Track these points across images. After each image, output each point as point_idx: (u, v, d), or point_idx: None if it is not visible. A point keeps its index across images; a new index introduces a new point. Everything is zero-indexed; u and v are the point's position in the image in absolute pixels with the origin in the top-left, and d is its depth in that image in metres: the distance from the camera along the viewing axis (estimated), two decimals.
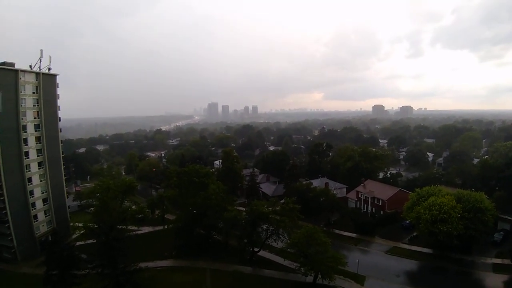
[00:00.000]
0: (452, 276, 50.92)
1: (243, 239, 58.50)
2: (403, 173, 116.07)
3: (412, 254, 59.54)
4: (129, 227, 68.09)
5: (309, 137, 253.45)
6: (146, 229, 77.43)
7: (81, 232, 66.87)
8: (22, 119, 63.77)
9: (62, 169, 75.53)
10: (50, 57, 71.16)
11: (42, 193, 68.91)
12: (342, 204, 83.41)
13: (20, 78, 63.64)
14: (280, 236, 56.80)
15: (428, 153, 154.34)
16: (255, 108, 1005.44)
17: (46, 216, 69.59)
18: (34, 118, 67.53)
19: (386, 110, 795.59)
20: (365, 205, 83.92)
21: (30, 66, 68.33)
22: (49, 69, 71.27)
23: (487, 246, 59.16)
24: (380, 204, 79.39)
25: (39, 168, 68.21)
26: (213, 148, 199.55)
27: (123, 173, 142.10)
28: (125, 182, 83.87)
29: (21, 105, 63.73)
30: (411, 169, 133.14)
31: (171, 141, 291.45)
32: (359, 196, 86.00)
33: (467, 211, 53.83)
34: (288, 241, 52.94)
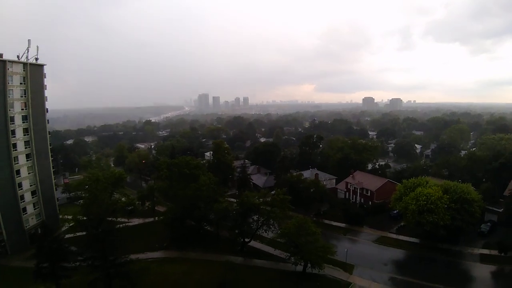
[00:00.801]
0: (439, 265, 52.19)
1: (234, 230, 58.91)
2: (391, 165, 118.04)
3: (399, 243, 60.99)
4: (119, 219, 67.69)
5: (300, 129, 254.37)
6: (136, 221, 77.11)
7: (71, 224, 66.27)
8: (9, 110, 62.21)
9: (50, 161, 74.44)
10: (37, 47, 69.71)
11: (31, 186, 67.87)
12: (332, 195, 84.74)
13: (8, 69, 62.06)
14: (271, 226, 57.40)
15: (416, 145, 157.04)
16: (246, 100, 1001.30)
17: (35, 209, 68.67)
18: (22, 109, 66.18)
19: (376, 103, 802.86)
20: (354, 196, 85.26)
21: (18, 57, 66.55)
22: (37, 59, 69.85)
23: (474, 237, 60.20)
24: (369, 194, 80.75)
25: (27, 160, 67.06)
26: (203, 140, 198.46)
27: (112, 165, 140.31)
28: (115, 173, 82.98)
29: (9, 96, 62.17)
30: (399, 160, 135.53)
31: (161, 132, 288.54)
32: (349, 187, 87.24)
33: (454, 202, 54.90)
34: (279, 232, 53.60)
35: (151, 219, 76.93)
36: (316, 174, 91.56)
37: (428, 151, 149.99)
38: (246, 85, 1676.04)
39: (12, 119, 62.95)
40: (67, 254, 47.31)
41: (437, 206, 53.32)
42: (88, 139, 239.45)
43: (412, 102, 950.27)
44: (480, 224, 62.47)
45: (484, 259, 53.31)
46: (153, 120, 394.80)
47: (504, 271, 50.06)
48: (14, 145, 63.52)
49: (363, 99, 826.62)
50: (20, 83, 65.68)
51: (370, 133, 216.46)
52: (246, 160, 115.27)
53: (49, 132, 75.12)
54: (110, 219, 57.59)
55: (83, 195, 77.17)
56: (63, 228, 71.32)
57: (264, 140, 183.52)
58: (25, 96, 66.58)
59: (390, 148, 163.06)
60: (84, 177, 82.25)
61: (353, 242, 62.91)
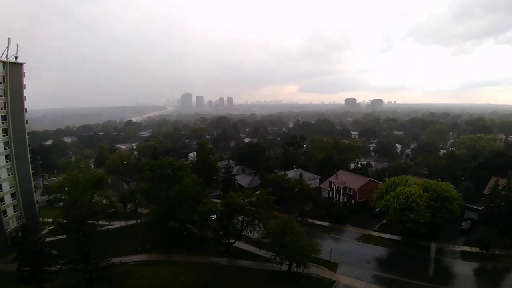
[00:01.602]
0: (421, 262, 53.07)
1: (219, 231, 58.46)
2: (373, 164, 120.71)
3: (382, 241, 62.25)
4: (100, 222, 66.06)
5: (284, 129, 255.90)
6: (118, 224, 75.21)
7: (51, 227, 64.34)
8: None
9: (29, 162, 71.70)
10: (17, 45, 67.04)
11: (10, 188, 65.33)
12: (316, 194, 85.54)
13: None
14: (256, 227, 57.32)
15: (396, 145, 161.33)
16: (230, 100, 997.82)
17: (15, 211, 66.35)
18: (1, 109, 63.49)
19: (358, 103, 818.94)
20: (337, 195, 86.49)
21: None
22: (16, 57, 66.95)
23: (455, 234, 61.82)
24: (352, 193, 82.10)
25: (6, 162, 64.49)
26: (187, 140, 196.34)
27: (92, 166, 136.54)
28: (95, 175, 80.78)
29: None
30: (380, 160, 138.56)
31: (142, 132, 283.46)
32: (332, 186, 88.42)
33: (433, 200, 56.35)
34: (264, 232, 53.60)
35: (133, 222, 75.17)
36: (300, 174, 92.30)
37: (408, 151, 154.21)
38: (230, 85, 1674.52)
39: None
40: (48, 257, 46.33)
41: (417, 204, 54.70)
42: (68, 139, 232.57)
43: (392, 102, 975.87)
44: (460, 222, 64.18)
45: (465, 256, 54.69)
46: (134, 120, 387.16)
47: (486, 268, 51.70)
48: None
49: (345, 99, 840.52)
50: (0, 82, 63.12)
51: (352, 133, 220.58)
52: (231, 161, 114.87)
53: (28, 132, 72.54)
54: (91, 222, 56.26)
55: (63, 197, 75.06)
56: (44, 231, 69.09)
57: (248, 140, 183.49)
58: (4, 96, 63.95)
59: (371, 148, 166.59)
60: (63, 179, 79.98)
61: (336, 241, 63.72)
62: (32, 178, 72.42)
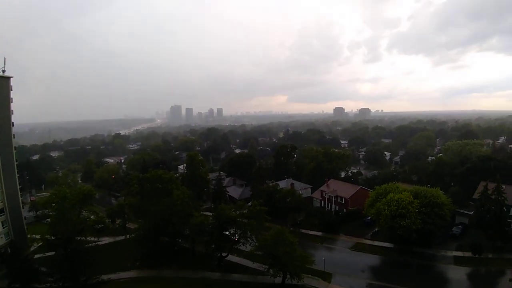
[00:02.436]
0: (415, 269, 53.19)
1: (211, 245, 57.37)
2: (363, 172, 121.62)
3: (374, 249, 62.09)
4: (88, 238, 64.08)
5: (274, 139, 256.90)
6: (106, 240, 73.16)
7: (39, 244, 62.62)
8: None
9: (17, 177, 70.15)
10: (4, 58, 66.36)
11: None
12: (308, 204, 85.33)
13: None
14: (248, 239, 56.45)
15: (385, 152, 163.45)
16: (220, 111, 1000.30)
17: (3, 227, 64.65)
18: None
19: (346, 112, 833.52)
20: (329, 204, 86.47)
21: None
22: (4, 71, 65.96)
23: (447, 240, 62.10)
24: (343, 202, 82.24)
25: None
26: (176, 152, 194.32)
27: (80, 181, 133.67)
28: (83, 190, 78.74)
29: None
30: (370, 167, 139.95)
31: (131, 146, 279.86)
32: (323, 195, 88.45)
33: (424, 206, 56.73)
34: (256, 244, 52.84)
35: (122, 237, 73.34)
36: (292, 184, 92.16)
37: (397, 158, 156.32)
38: (220, 96, 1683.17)
39: None
40: (38, 275, 45.80)
41: (408, 210, 55.02)
42: (54, 154, 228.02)
43: (380, 111, 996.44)
44: (451, 227, 64.68)
45: (458, 261, 54.82)
46: (122, 133, 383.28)
47: (480, 272, 51.91)
48: None
49: (334, 109, 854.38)
50: None
51: (341, 142, 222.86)
52: (221, 172, 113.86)
53: (15, 147, 71.04)
54: (79, 238, 54.73)
55: (50, 213, 73.38)
56: (32, 248, 67.16)
57: (239, 151, 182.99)
58: None
59: (361, 156, 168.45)
60: (51, 195, 78.01)
61: (330, 250, 63.31)
62: (19, 194, 70.93)
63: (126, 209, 79.22)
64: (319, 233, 71.23)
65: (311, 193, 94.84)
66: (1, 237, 63.75)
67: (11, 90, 68.91)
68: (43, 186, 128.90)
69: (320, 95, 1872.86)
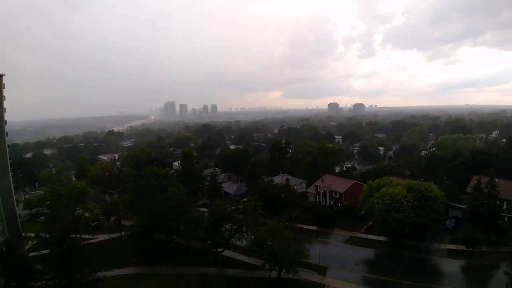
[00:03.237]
0: (409, 262, 53.79)
1: (206, 241, 57.52)
2: (357, 167, 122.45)
3: (369, 242, 62.84)
4: (83, 235, 63.83)
5: (269, 135, 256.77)
6: (101, 237, 72.91)
7: (34, 242, 62.16)
8: None
9: (11, 176, 69.03)
10: None
11: None
12: (303, 199, 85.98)
13: None
14: (244, 234, 56.75)
15: (379, 147, 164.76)
16: (214, 107, 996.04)
17: None
18: None
19: (341, 108, 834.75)
20: (324, 199, 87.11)
21: None
22: None
23: (440, 233, 62.86)
24: (338, 196, 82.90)
25: None
26: (171, 149, 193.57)
27: (74, 179, 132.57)
28: (77, 188, 78.34)
29: None
30: (364, 162, 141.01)
31: (125, 142, 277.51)
32: (318, 190, 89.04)
33: (417, 200, 57.35)
34: (252, 239, 53.12)
35: (117, 234, 73.13)
36: (287, 179, 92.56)
37: (390, 153, 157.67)
38: (214, 92, 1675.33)
39: None
40: (34, 273, 45.33)
41: (402, 204, 55.66)
42: (48, 151, 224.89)
43: (374, 106, 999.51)
44: (445, 221, 65.43)
45: (451, 254, 55.51)
46: (116, 130, 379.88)
47: (473, 265, 52.67)
48: None
49: (328, 104, 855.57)
50: None
51: (336, 137, 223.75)
52: (216, 168, 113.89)
53: (8, 145, 70.07)
54: (73, 236, 54.52)
55: (45, 211, 72.93)
56: (27, 246, 66.55)
57: (234, 147, 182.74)
58: None
59: (355, 151, 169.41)
60: (45, 193, 77.61)
61: (325, 244, 63.91)
62: (13, 192, 70.05)
63: (121, 206, 79.00)
64: (314, 228, 71.80)
65: (306, 188, 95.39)
66: None
67: (4, 87, 67.81)
68: (36, 184, 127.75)
69: (315, 90, 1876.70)
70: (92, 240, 69.08)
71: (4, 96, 67.72)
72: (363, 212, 70.75)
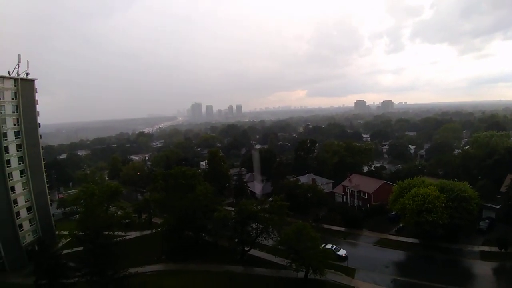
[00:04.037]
0: (441, 264, 52.03)
1: (233, 239, 58.28)
2: (386, 166, 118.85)
3: (399, 244, 60.91)
4: (116, 233, 66.76)
5: (294, 134, 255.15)
6: (133, 234, 75.99)
7: (67, 240, 65.47)
8: (2, 126, 61.41)
9: (44, 176, 73.46)
10: (28, 62, 69.25)
11: (26, 202, 66.91)
12: (330, 199, 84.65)
13: None
14: (270, 233, 56.92)
15: (410, 146, 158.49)
16: (239, 108, 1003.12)
17: (31, 225, 67.75)
18: (14, 125, 65.49)
19: (368, 105, 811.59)
20: (352, 199, 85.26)
21: (8, 72, 66.16)
22: (27, 74, 69.17)
23: (473, 234, 60.20)
24: (366, 197, 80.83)
25: (21, 176, 66.18)
26: (198, 149, 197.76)
27: (107, 178, 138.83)
28: (110, 187, 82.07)
29: (1, 112, 61.65)
30: (394, 161, 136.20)
31: (154, 143, 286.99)
32: (346, 190, 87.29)
33: (451, 200, 55.03)
34: (278, 238, 53.14)
35: (148, 232, 75.81)
36: (313, 179, 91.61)
37: (422, 151, 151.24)
38: (238, 92, 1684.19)
39: (5, 135, 62.18)
40: (66, 270, 46.84)
41: (434, 205, 53.49)
42: (81, 153, 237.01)
43: (403, 103, 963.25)
44: (478, 222, 62.59)
45: (484, 256, 53.30)
46: (146, 132, 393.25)
47: (506, 267, 50.17)
48: (8, 161, 62.62)
49: (355, 102, 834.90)
50: (12, 99, 65.16)
51: (363, 135, 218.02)
52: (242, 168, 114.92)
53: (42, 147, 74.45)
54: (106, 233, 56.91)
55: (79, 210, 76.38)
56: (60, 244, 70.45)
57: (259, 147, 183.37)
58: (17, 112, 66.04)
59: (384, 150, 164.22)
60: (79, 192, 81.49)
61: (353, 246, 62.62)
62: (47, 192, 74.20)
63: (152, 204, 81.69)
64: (342, 229, 70.57)
65: (333, 188, 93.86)
66: (29, 235, 66.67)
67: (36, 92, 72.09)
68: (70, 184, 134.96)
69: (340, 88, 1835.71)
70: (124, 237, 72.17)
71: (37, 100, 72.19)
72: (393, 213, 68.54)
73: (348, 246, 61.55)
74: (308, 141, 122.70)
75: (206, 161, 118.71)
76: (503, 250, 52.29)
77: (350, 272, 51.49)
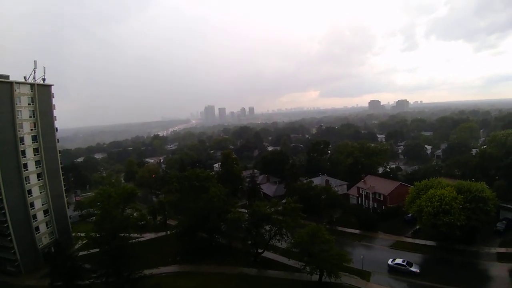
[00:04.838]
0: (457, 267, 50.92)
1: (247, 241, 58.39)
2: (402, 167, 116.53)
3: (416, 247, 59.67)
4: (131, 234, 67.93)
5: (307, 136, 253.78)
6: (148, 236, 77.19)
7: (84, 242, 66.74)
8: (19, 131, 63.48)
9: (62, 179, 75.27)
10: (44, 67, 71.13)
11: (43, 205, 68.67)
12: (344, 201, 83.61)
13: (15, 90, 63.45)
14: (284, 236, 56.74)
15: (426, 146, 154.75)
16: (251, 109, 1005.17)
17: (48, 228, 69.40)
18: (31, 129, 67.44)
19: (382, 105, 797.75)
20: (367, 201, 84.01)
21: (25, 78, 68.11)
22: (44, 79, 71.19)
23: (490, 236, 59.06)
24: (382, 199, 79.47)
25: (38, 180, 67.97)
26: (211, 151, 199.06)
27: (123, 181, 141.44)
28: (126, 189, 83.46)
29: (18, 117, 63.47)
30: (410, 162, 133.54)
31: (169, 146, 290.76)
32: (360, 192, 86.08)
33: (468, 201, 53.66)
34: (292, 241, 52.93)
35: (163, 233, 76.91)
36: (327, 181, 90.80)
37: (438, 152, 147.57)
38: (251, 95, 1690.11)
39: (22, 139, 64.17)
40: (81, 272, 47.58)
41: (452, 206, 52.15)
42: (98, 156, 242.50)
43: (419, 102, 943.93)
44: (495, 223, 61.21)
45: (501, 257, 52.14)
46: (161, 135, 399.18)
47: None
48: (25, 165, 64.51)
49: (369, 102, 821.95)
50: (29, 104, 67.07)
51: (378, 136, 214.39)
52: (255, 170, 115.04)
53: (59, 151, 76.32)
54: (122, 235, 57.88)
55: (95, 212, 77.80)
56: (76, 246, 71.82)
57: (271, 148, 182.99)
58: (33, 117, 67.95)
59: (400, 150, 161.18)
60: (95, 194, 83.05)
61: (368, 249, 61.72)
62: (64, 194, 75.87)
63: (167, 206, 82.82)
64: (357, 231, 69.64)
65: (347, 190, 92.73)
66: (45, 237, 68.23)
67: (53, 97, 73.91)
68: (87, 187, 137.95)
69: (354, 88, 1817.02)
70: (140, 239, 73.47)
71: (54, 105, 74.02)
72: (409, 215, 67.14)
73: (363, 249, 60.71)
74: (322, 142, 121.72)
75: (219, 163, 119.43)
76: None
77: (365, 275, 50.74)
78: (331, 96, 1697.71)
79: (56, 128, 74.75)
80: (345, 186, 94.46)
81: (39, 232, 66.55)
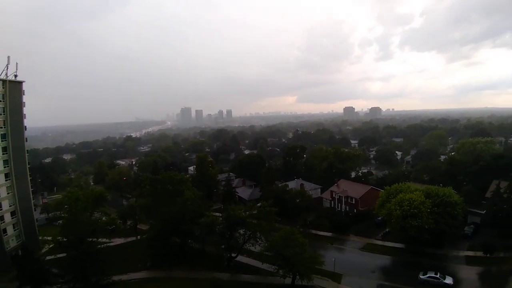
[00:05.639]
0: (426, 269, 52.19)
1: (221, 245, 57.61)
2: (374, 172, 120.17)
3: (385, 250, 61.30)
4: (100, 239, 65.15)
5: (283, 140, 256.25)
6: (118, 241, 74.26)
7: (51, 246, 63.88)
8: None
9: (29, 180, 71.74)
10: (17, 63, 68.06)
11: (10, 206, 65.19)
12: (318, 205, 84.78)
13: None
14: (258, 239, 56.51)
15: (396, 152, 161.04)
16: (229, 112, 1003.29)
17: (15, 230, 65.96)
18: (0, 127, 64.14)
19: (356, 112, 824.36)
20: (339, 204, 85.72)
21: None
22: (16, 76, 67.83)
23: (459, 240, 60.99)
24: (353, 202, 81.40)
25: (6, 180, 64.56)
26: (186, 154, 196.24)
27: (92, 183, 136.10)
28: (95, 192, 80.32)
29: None
30: (381, 167, 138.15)
31: (142, 148, 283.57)
32: (333, 195, 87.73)
33: (436, 205, 55.63)
34: (266, 244, 52.82)
35: (134, 238, 74.36)
36: (302, 184, 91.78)
37: (408, 157, 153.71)
38: (229, 97, 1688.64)
39: None
40: (49, 276, 46.03)
41: (420, 210, 54.11)
42: (67, 157, 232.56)
43: (391, 110, 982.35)
44: (463, 227, 63.48)
45: (469, 261, 53.94)
46: (134, 136, 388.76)
47: (491, 272, 50.86)
48: None
49: (344, 108, 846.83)
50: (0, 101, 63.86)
51: (352, 141, 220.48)
52: (231, 173, 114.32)
53: (27, 150, 72.73)
54: (90, 239, 55.56)
55: (63, 215, 74.74)
56: (43, 250, 68.59)
57: (248, 152, 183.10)
58: (3, 114, 64.65)
59: (371, 156, 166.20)
60: (63, 197, 79.74)
61: (340, 251, 62.79)
62: (31, 196, 72.33)
63: (138, 210, 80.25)
64: (329, 234, 70.72)
65: (321, 194, 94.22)
66: (12, 240, 64.95)
67: (24, 94, 70.71)
68: (55, 189, 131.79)
69: (330, 94, 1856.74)
70: (108, 244, 70.44)
71: (24, 102, 70.66)
72: (379, 218, 69.03)
73: (335, 252, 61.63)
74: (298, 147, 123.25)
75: (195, 166, 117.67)
76: (488, 255, 53.11)
77: (336, 277, 51.45)
78: (308, 101, 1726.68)
79: (25, 127, 71.25)
80: (319, 190, 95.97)
81: (6, 234, 63.17)
